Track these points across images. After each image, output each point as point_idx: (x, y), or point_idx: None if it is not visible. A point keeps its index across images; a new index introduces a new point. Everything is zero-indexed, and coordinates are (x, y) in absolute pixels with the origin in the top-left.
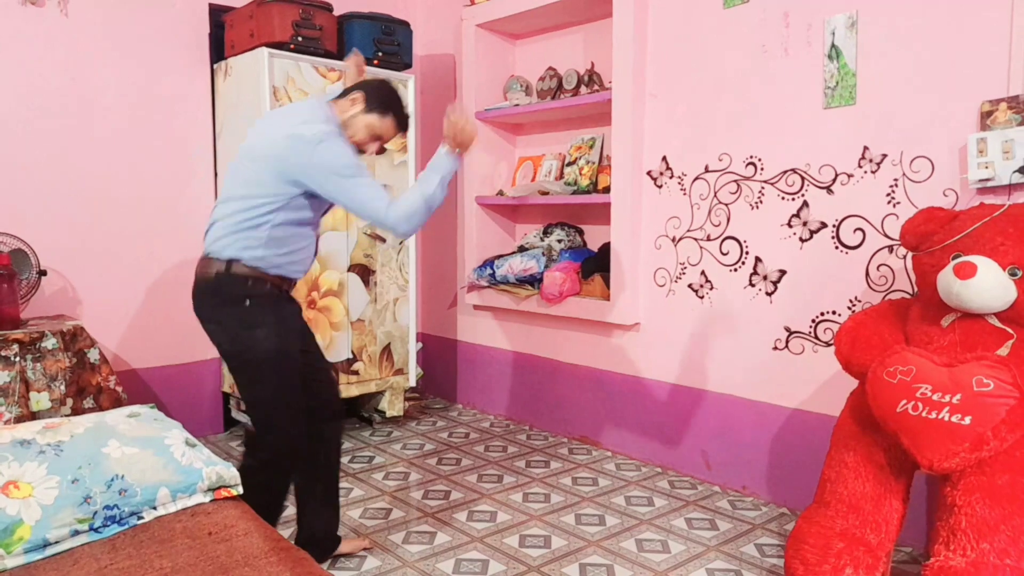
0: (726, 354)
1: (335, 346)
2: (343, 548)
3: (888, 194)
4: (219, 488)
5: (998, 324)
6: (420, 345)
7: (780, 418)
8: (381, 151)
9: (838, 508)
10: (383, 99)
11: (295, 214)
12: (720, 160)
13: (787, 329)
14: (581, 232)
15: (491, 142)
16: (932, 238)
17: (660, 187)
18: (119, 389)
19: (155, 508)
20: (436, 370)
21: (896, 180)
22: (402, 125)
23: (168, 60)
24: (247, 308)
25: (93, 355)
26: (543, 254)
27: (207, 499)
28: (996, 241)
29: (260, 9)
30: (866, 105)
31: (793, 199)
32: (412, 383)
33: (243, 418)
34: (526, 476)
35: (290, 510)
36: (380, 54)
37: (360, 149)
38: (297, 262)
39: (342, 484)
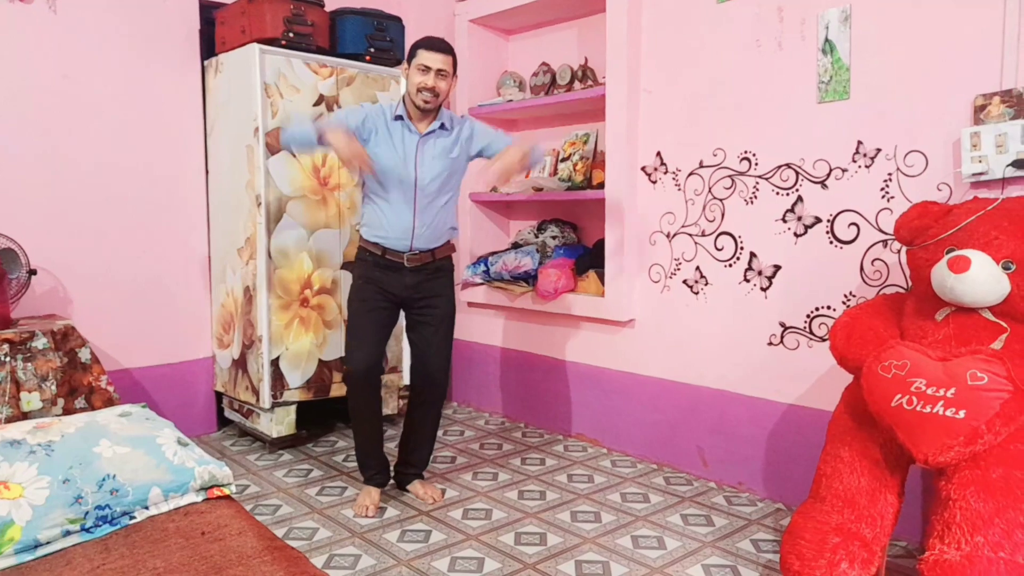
0: (721, 350)
1: (329, 344)
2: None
3: (882, 189)
4: (212, 487)
5: (992, 318)
6: None
7: (775, 414)
8: (440, 83)
9: (833, 503)
10: (410, 50)
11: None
12: (714, 155)
13: (782, 324)
14: (575, 228)
15: None
16: (926, 232)
17: (654, 183)
18: (111, 388)
19: (147, 508)
20: None
21: (890, 174)
22: (424, 46)
23: (158, 57)
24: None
25: (84, 354)
26: (537, 251)
27: (200, 498)
28: (990, 235)
29: (251, 5)
30: (860, 100)
31: (787, 194)
32: (406, 381)
33: (236, 417)
34: (521, 473)
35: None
36: (372, 50)
37: (424, 99)
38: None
39: (338, 482)
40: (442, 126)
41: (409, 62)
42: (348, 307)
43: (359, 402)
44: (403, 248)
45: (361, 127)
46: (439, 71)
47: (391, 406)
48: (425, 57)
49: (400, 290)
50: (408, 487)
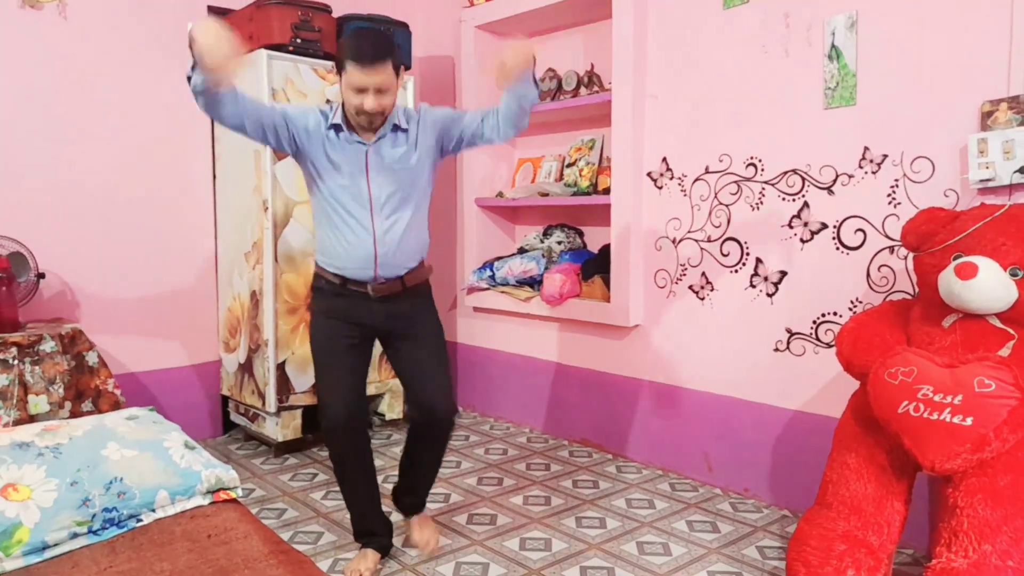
0: (727, 356)
1: None
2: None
3: (889, 195)
4: (218, 490)
5: (999, 325)
6: None
7: (781, 420)
8: (384, 99)
9: (840, 510)
10: (337, 59)
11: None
12: (720, 161)
13: (788, 330)
14: (581, 234)
15: None
16: (933, 238)
17: (660, 188)
18: (118, 392)
19: (154, 511)
20: None
21: (897, 180)
22: (351, 57)
23: (167, 63)
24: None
25: (92, 358)
26: (543, 256)
27: (206, 501)
28: (997, 241)
29: (259, 11)
30: (866, 105)
31: (794, 200)
32: None
33: (242, 421)
34: (526, 479)
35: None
36: None
37: (369, 120)
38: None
39: None
40: (394, 127)
41: (339, 71)
42: (312, 348)
43: (344, 459)
44: (366, 278)
45: (299, 123)
46: (378, 90)
47: (396, 410)
48: (355, 77)
49: (370, 319)
50: (405, 521)
